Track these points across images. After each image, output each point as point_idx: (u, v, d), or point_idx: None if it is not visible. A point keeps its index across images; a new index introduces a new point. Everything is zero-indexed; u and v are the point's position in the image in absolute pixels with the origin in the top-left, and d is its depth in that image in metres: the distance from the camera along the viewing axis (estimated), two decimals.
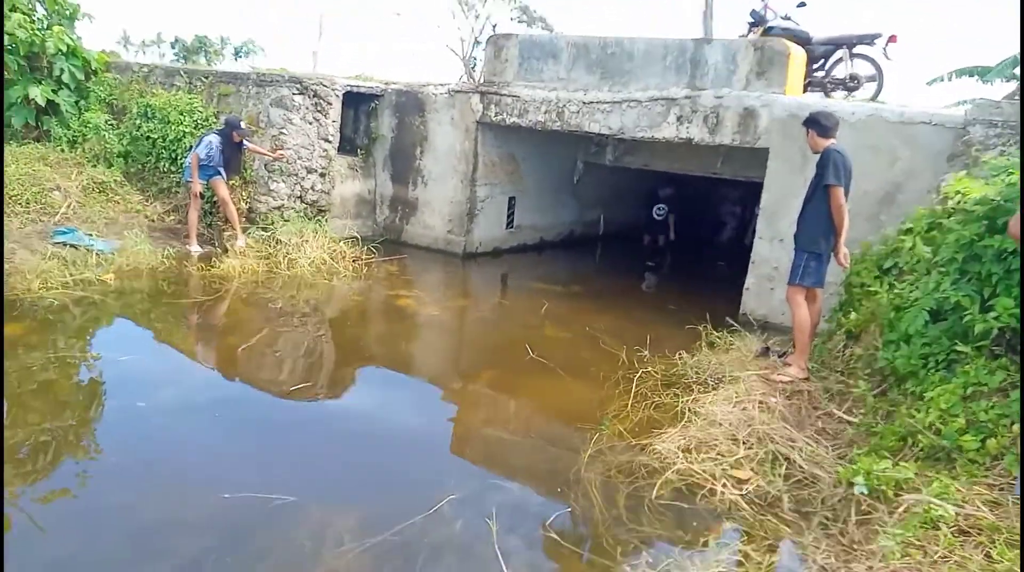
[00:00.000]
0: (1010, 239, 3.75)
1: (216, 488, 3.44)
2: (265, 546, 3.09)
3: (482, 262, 9.20)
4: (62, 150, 8.56)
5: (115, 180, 8.42)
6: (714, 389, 4.85)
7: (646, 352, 5.63)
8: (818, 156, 4.99)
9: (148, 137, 8.63)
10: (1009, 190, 3.88)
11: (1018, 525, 2.99)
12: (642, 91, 7.43)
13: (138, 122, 8.73)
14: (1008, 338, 3.82)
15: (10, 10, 8.24)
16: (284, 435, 4.28)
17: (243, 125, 7.72)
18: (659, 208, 11.31)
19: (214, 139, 7.65)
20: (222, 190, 7.82)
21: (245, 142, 7.93)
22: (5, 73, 8.61)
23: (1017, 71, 10.85)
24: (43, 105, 8.54)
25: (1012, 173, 3.91)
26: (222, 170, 7.79)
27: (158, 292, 6.57)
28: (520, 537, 3.30)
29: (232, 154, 7.83)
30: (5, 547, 2.94)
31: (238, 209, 8.11)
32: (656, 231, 11.45)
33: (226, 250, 7.78)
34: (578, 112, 7.80)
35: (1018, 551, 2.86)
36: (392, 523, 3.24)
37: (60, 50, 8.55)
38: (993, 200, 3.93)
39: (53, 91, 8.63)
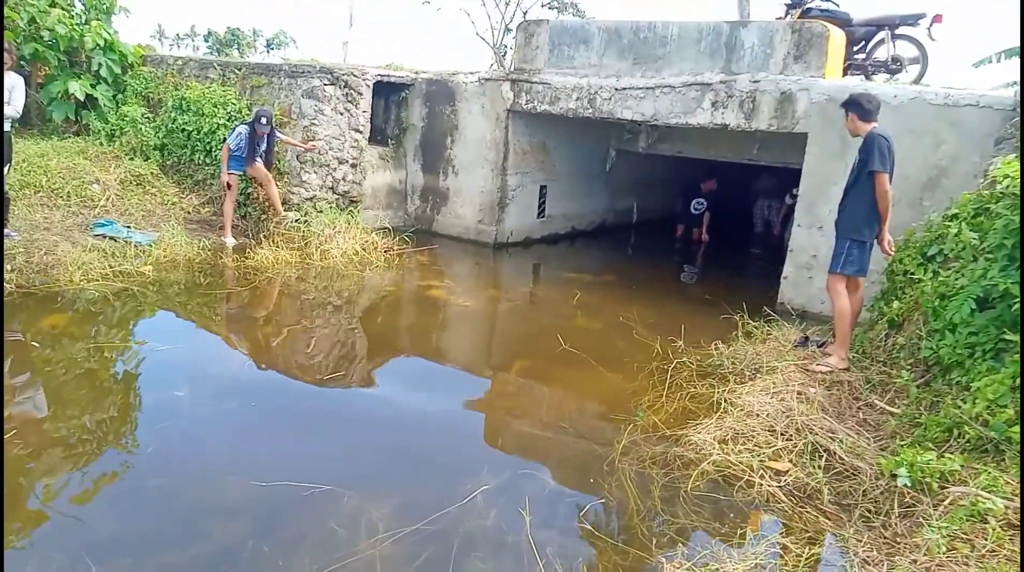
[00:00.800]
0: None
1: (252, 475, 3.48)
2: (300, 533, 3.12)
3: (513, 252, 9.18)
4: (101, 143, 8.74)
5: (151, 173, 8.57)
6: (751, 380, 4.77)
7: (680, 342, 5.55)
8: (859, 141, 4.84)
9: (183, 130, 8.76)
10: None
11: None
12: (676, 76, 7.30)
13: (173, 115, 8.86)
14: None
15: (49, 6, 8.41)
16: (319, 424, 4.32)
17: (264, 120, 7.66)
18: (698, 202, 10.73)
19: (243, 130, 7.73)
20: (260, 172, 7.91)
21: (277, 133, 7.99)
22: (46, 68, 8.81)
23: None
24: (82, 99, 8.72)
25: None
26: (258, 158, 7.87)
27: (195, 283, 6.67)
28: (554, 528, 3.29)
29: (262, 144, 7.88)
30: (50, 529, 3.02)
31: (270, 205, 8.19)
32: (690, 223, 10.91)
33: (260, 241, 7.87)
34: (610, 99, 7.70)
35: None
36: (426, 512, 3.25)
37: (98, 45, 8.72)
38: None
39: (92, 85, 8.81)
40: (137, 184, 8.33)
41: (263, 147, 7.87)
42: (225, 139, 7.91)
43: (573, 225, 10.35)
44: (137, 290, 6.21)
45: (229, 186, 7.85)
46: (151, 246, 7.15)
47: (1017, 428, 3.46)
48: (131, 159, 8.64)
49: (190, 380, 4.66)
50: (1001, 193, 4.30)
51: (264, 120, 7.68)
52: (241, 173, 7.91)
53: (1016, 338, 3.75)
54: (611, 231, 11.00)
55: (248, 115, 8.50)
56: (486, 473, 3.67)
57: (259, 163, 7.89)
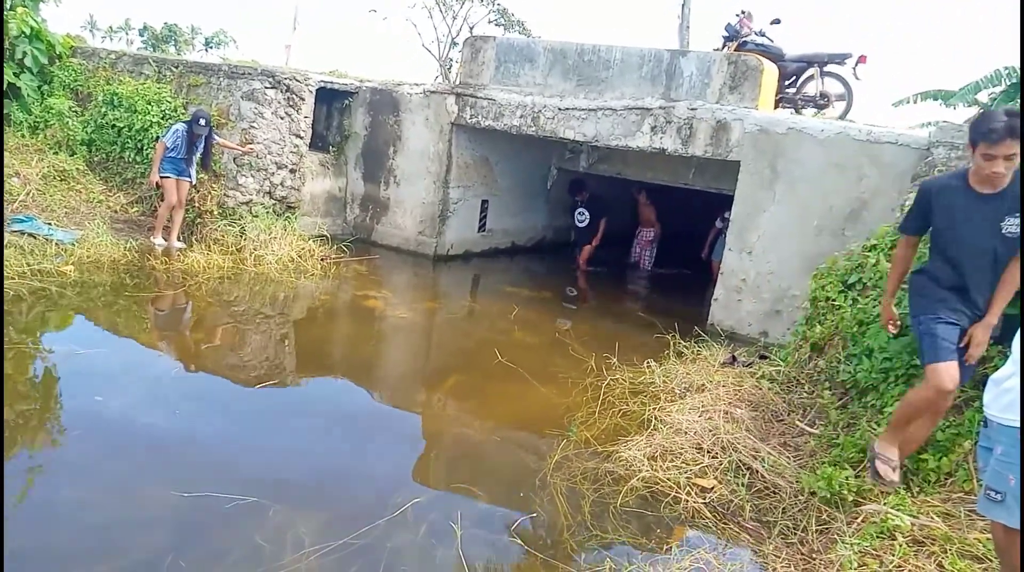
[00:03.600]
0: None
1: (174, 486, 3.36)
2: (223, 547, 3.02)
3: (453, 265, 9.17)
4: (22, 135, 8.33)
5: (77, 169, 8.23)
6: (681, 398, 4.88)
7: (614, 359, 5.65)
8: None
9: (114, 126, 8.44)
10: None
11: (970, 536, 3.06)
12: (618, 99, 7.48)
13: (104, 110, 8.53)
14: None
15: None
16: (246, 434, 4.21)
17: (202, 122, 7.43)
18: (580, 213, 9.89)
19: (180, 127, 7.50)
20: (182, 192, 7.65)
21: (215, 136, 7.79)
22: None
23: (978, 97, 11.20)
24: (4, 88, 8.30)
25: None
26: (191, 167, 7.61)
27: (119, 285, 6.41)
28: (484, 542, 3.29)
29: (200, 146, 7.66)
30: None
31: (205, 208, 7.96)
32: (584, 242, 10.02)
33: (191, 244, 7.64)
34: (553, 118, 7.82)
35: (969, 561, 2.93)
36: (355, 526, 3.20)
37: (23, 32, 8.32)
38: None
39: (15, 74, 8.39)
40: (61, 180, 7.97)
41: (200, 149, 7.65)
42: (159, 137, 7.65)
43: (513, 240, 10.42)
44: (56, 290, 5.92)
45: (158, 186, 7.57)
46: (73, 245, 6.84)
47: (926, 456, 3.66)
48: (56, 153, 8.27)
49: (111, 386, 4.47)
50: None
51: (203, 121, 7.44)
52: (175, 178, 7.56)
53: None
54: (550, 248, 11.11)
55: (184, 114, 8.26)
56: (418, 487, 3.65)
57: (188, 180, 7.64)
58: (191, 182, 7.71)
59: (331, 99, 9.21)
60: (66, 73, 9.10)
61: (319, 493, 3.60)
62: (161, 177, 7.51)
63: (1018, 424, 1.89)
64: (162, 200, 7.66)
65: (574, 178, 10.03)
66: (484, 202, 9.59)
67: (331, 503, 3.48)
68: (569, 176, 10.70)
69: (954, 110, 11.74)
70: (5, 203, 7.17)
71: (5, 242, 6.40)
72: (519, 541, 3.32)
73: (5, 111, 8.50)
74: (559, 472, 3.95)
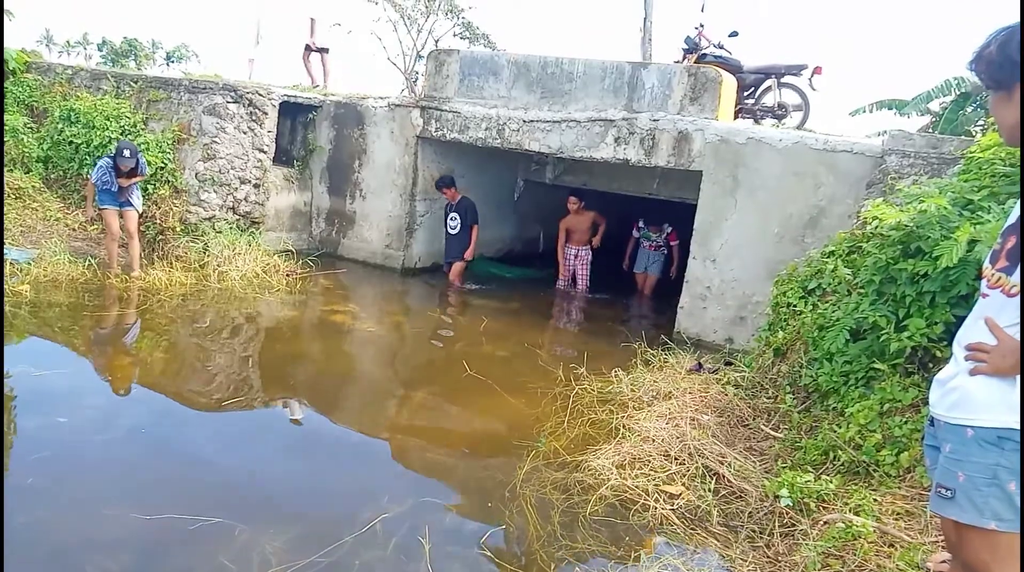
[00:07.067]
0: (923, 262, 3.98)
1: (137, 508, 3.29)
2: (186, 569, 2.97)
3: (421, 277, 9.15)
4: None
5: (33, 186, 8.06)
6: (648, 406, 4.93)
7: (582, 369, 5.69)
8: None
9: (71, 142, 8.29)
10: (920, 217, 4.11)
11: (929, 537, 3.14)
12: (581, 111, 7.56)
13: (60, 126, 8.37)
14: (920, 356, 4.04)
15: None
16: (210, 453, 4.13)
17: (127, 153, 6.91)
18: (451, 218, 8.74)
19: (105, 162, 7.04)
20: (131, 223, 7.24)
21: (145, 167, 7.33)
22: None
23: (930, 106, 11.53)
24: (3, 94, 8.14)
25: (923, 201, 4.14)
26: (133, 196, 7.24)
27: (78, 304, 6.27)
28: (454, 555, 3.27)
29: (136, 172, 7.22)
30: None
31: (167, 224, 7.82)
32: (454, 256, 8.83)
33: (153, 262, 7.51)
34: (518, 130, 7.88)
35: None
36: (322, 544, 3.17)
37: None
38: (907, 226, 4.16)
39: None
40: (16, 198, 7.80)
41: (136, 179, 7.24)
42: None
43: (482, 252, 10.40)
44: (12, 310, 5.77)
45: (96, 221, 7.26)
46: (29, 264, 6.69)
47: (885, 452, 3.75)
48: (10, 171, 8.08)
49: (72, 407, 4.37)
50: (871, 233, 4.67)
51: (127, 152, 6.93)
52: (117, 208, 7.18)
53: (883, 367, 4.08)
54: (518, 259, 11.13)
55: (143, 130, 8.15)
56: (386, 501, 3.62)
57: (134, 209, 7.26)
58: (137, 210, 7.31)
59: (295, 113, 9.16)
60: (20, 89, 8.92)
61: (285, 511, 3.55)
62: (101, 209, 7.16)
63: (964, 422, 1.96)
64: (104, 234, 7.30)
65: (443, 175, 8.71)
66: None
67: (298, 521, 3.44)
68: (536, 188, 10.76)
69: (907, 119, 12.07)
70: None
71: None
72: (489, 554, 3.31)
73: None
74: (528, 483, 3.96)
